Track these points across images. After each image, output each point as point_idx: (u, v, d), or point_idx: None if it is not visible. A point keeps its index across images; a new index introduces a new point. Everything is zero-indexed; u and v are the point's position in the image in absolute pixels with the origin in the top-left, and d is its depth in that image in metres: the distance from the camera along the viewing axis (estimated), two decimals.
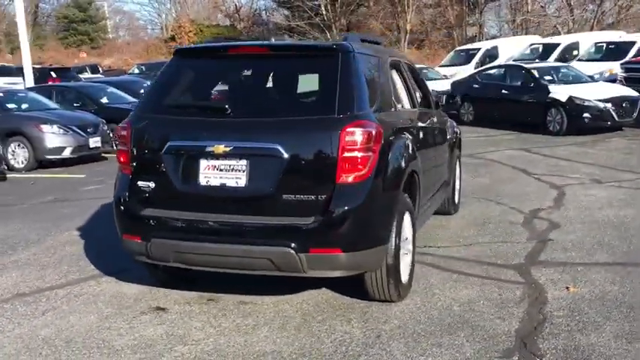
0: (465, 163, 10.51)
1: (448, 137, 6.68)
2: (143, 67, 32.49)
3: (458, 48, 24.06)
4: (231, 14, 49.95)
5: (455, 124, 7.39)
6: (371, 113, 4.08)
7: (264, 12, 49.21)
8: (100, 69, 35.38)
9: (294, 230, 3.86)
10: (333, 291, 4.69)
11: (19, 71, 21.80)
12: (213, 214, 4.04)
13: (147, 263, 4.47)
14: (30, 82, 18.81)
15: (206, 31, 46.81)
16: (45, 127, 11.59)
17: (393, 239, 4.20)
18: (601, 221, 6.62)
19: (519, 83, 15.16)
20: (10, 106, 12.56)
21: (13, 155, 11.50)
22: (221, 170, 4.00)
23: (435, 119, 6.19)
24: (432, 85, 18.60)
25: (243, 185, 3.98)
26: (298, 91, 4.13)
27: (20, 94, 13.81)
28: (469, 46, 23.66)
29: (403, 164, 4.37)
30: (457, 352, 3.68)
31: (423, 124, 5.48)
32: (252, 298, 4.60)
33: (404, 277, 4.51)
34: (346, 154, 3.83)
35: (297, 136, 3.96)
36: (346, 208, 3.85)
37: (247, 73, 4.41)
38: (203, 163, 4.05)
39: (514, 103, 14.94)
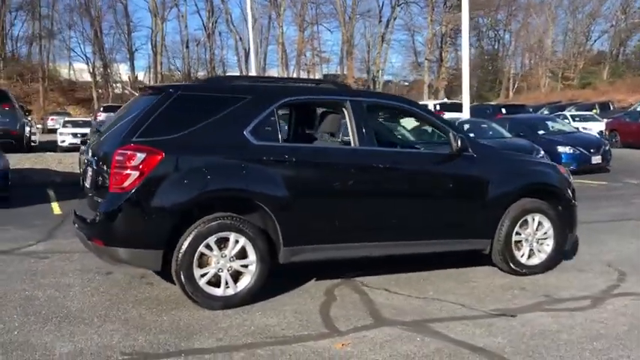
0: None
1: (483, 187, 5.90)
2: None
3: None
4: None
5: (532, 172, 6.33)
6: (155, 141, 4.83)
7: None
8: (611, 106, 34.30)
9: (89, 222, 5.10)
10: None
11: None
12: (83, 201, 5.52)
13: None
14: (466, 115, 20.55)
15: None
16: None
17: (184, 250, 4.82)
18: None
19: None
20: None
21: None
22: (90, 175, 5.44)
23: (430, 163, 5.92)
24: None
25: (88, 185, 5.41)
26: (132, 121, 5.12)
27: None
28: None
29: (196, 189, 4.86)
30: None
31: (351, 162, 5.45)
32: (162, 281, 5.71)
33: (222, 290, 4.96)
34: (114, 170, 4.84)
35: (102, 153, 5.17)
36: (106, 211, 4.88)
37: (132, 105, 5.64)
38: (88, 170, 5.56)
39: None
